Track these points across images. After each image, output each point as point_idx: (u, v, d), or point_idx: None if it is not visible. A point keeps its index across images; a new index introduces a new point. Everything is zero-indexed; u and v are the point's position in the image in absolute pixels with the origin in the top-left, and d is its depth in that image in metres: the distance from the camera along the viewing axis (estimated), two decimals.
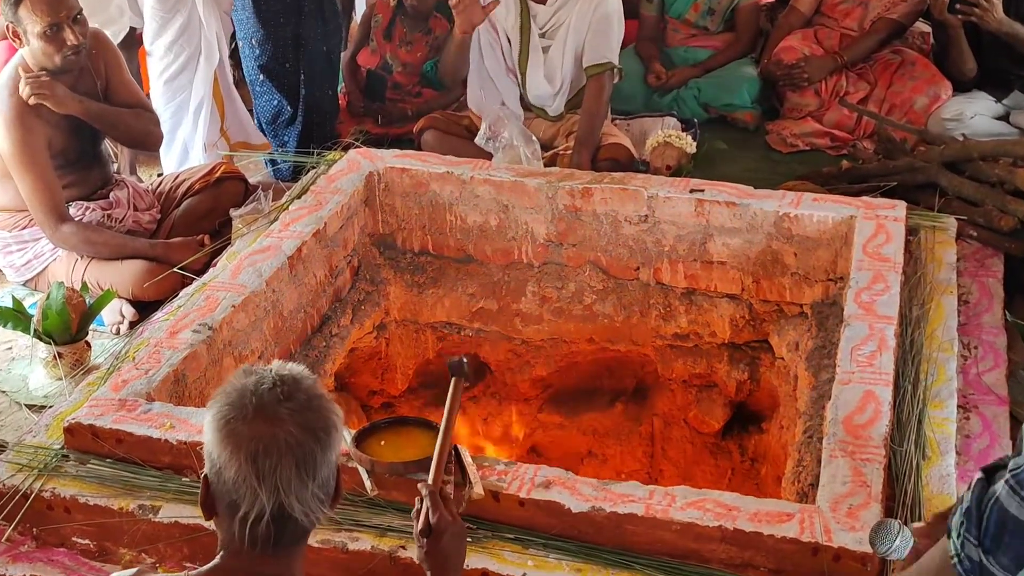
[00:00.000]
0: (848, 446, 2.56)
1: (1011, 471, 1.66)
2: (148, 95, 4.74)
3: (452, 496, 2.34)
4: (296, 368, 1.84)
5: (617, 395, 4.10)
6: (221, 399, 1.80)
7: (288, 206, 3.75)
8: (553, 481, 2.50)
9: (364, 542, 2.48)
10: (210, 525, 1.89)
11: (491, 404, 4.17)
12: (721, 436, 3.94)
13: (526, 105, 4.89)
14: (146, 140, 4.40)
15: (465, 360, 2.40)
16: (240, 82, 5.37)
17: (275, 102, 5.13)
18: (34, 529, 2.69)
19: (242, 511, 1.77)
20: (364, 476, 2.51)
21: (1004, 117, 5.04)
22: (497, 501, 2.48)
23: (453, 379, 2.40)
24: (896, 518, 2.29)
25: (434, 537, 2.11)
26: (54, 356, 3.62)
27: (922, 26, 5.50)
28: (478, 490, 2.44)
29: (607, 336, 3.91)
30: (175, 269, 3.80)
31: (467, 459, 2.51)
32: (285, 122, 5.16)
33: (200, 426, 2.06)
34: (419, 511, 2.15)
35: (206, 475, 1.82)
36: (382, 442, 2.58)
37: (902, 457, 2.63)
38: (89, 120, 4.10)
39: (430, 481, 2.22)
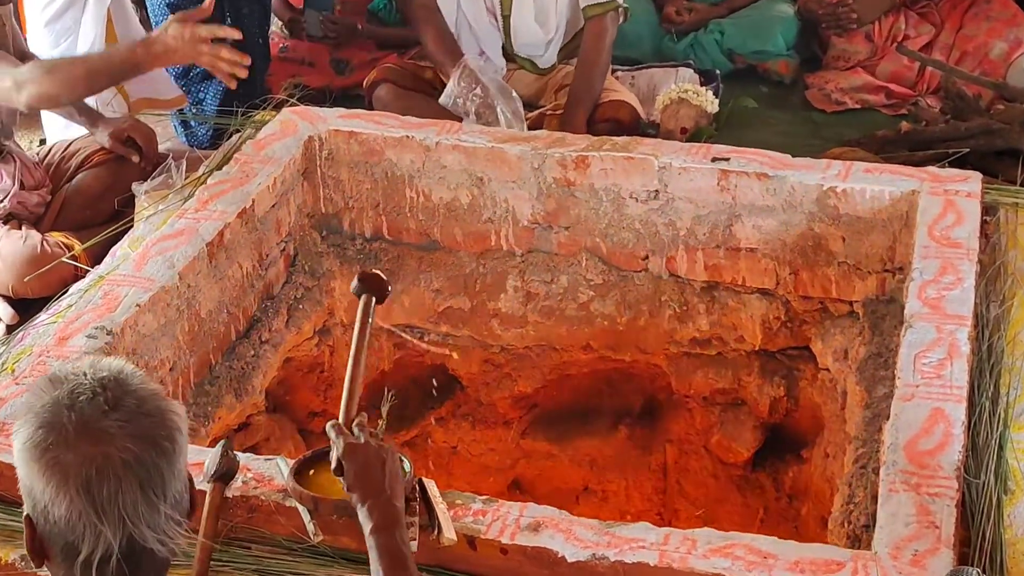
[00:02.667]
0: (912, 478, 2.58)
1: None
2: (26, 39, 4.73)
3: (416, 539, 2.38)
4: (115, 364, 1.85)
5: (620, 416, 4.11)
6: (31, 421, 1.79)
7: (206, 179, 3.74)
8: (544, 523, 2.51)
9: None
10: (44, 572, 1.88)
11: (462, 428, 4.18)
12: (751, 467, 3.96)
13: (509, 56, 4.91)
14: None
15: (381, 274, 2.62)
16: (144, 23, 5.36)
17: None
18: None
19: (83, 554, 1.77)
20: (305, 518, 2.51)
21: None
22: (473, 548, 2.49)
23: (363, 297, 2.56)
24: (973, 566, 2.31)
25: (348, 468, 2.29)
26: None
27: None
28: (449, 535, 2.44)
29: (608, 342, 3.93)
30: (63, 259, 3.79)
31: (435, 495, 2.51)
32: (201, 75, 5.16)
33: None
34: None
35: (28, 516, 1.82)
36: (327, 475, 2.58)
37: (979, 491, 2.65)
38: None
39: (340, 419, 2.40)
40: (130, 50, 3.79)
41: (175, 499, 1.80)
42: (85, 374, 1.82)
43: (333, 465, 2.33)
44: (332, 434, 2.35)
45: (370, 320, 2.56)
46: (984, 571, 2.46)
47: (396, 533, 2.23)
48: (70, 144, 4.53)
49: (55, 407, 1.79)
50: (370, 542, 2.22)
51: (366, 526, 2.24)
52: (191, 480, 1.88)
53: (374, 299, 2.60)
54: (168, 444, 1.79)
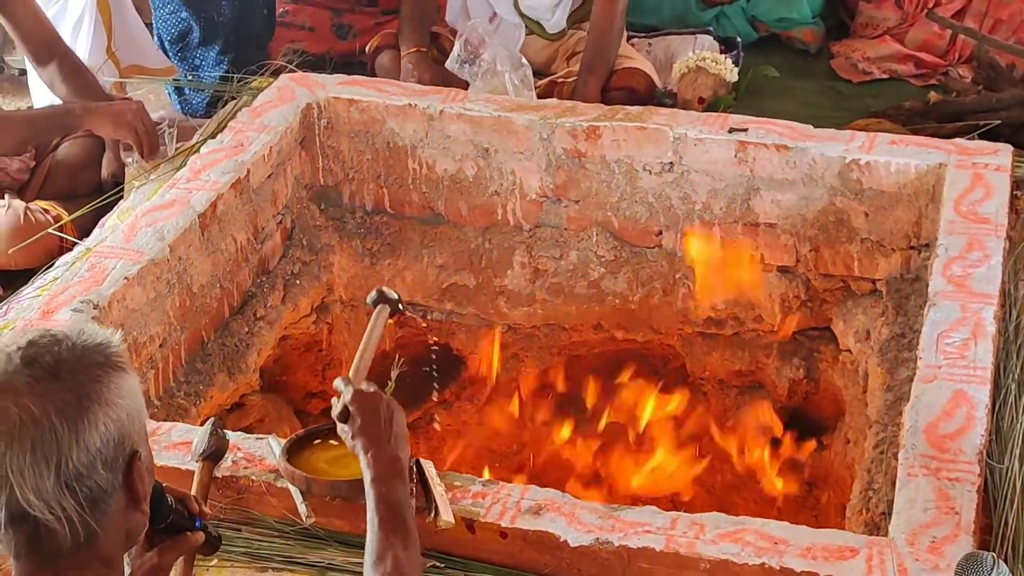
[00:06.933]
0: (932, 462, 2.59)
1: None
2: None
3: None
4: (75, 329, 1.85)
5: None
6: None
7: (199, 148, 3.76)
8: (545, 505, 2.53)
9: None
10: None
11: (467, 410, 4.19)
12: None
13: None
14: None
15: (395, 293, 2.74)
16: None
17: (182, 15, 5.13)
18: None
19: None
20: (297, 499, 2.53)
21: None
22: (472, 531, 2.51)
23: (377, 307, 2.69)
24: (991, 552, 2.32)
25: (354, 418, 2.40)
26: None
27: None
28: (446, 517, 2.46)
29: (619, 322, 3.94)
30: (50, 230, 3.81)
31: (432, 476, 2.53)
32: (198, 40, 5.17)
33: None
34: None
35: None
36: (321, 455, 2.61)
37: (1002, 476, 2.66)
38: None
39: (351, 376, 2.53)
40: (71, 110, 4.16)
41: (75, 473, 1.77)
42: (39, 332, 1.84)
43: (337, 411, 2.41)
44: (340, 385, 2.47)
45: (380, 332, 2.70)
46: (1006, 560, 2.47)
47: (397, 485, 2.30)
48: (48, 107, 4.54)
49: None
50: (369, 491, 2.29)
51: (367, 475, 2.31)
52: (132, 462, 1.84)
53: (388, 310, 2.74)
54: (73, 412, 1.77)
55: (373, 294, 2.78)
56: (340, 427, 2.42)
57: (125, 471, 1.84)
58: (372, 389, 2.47)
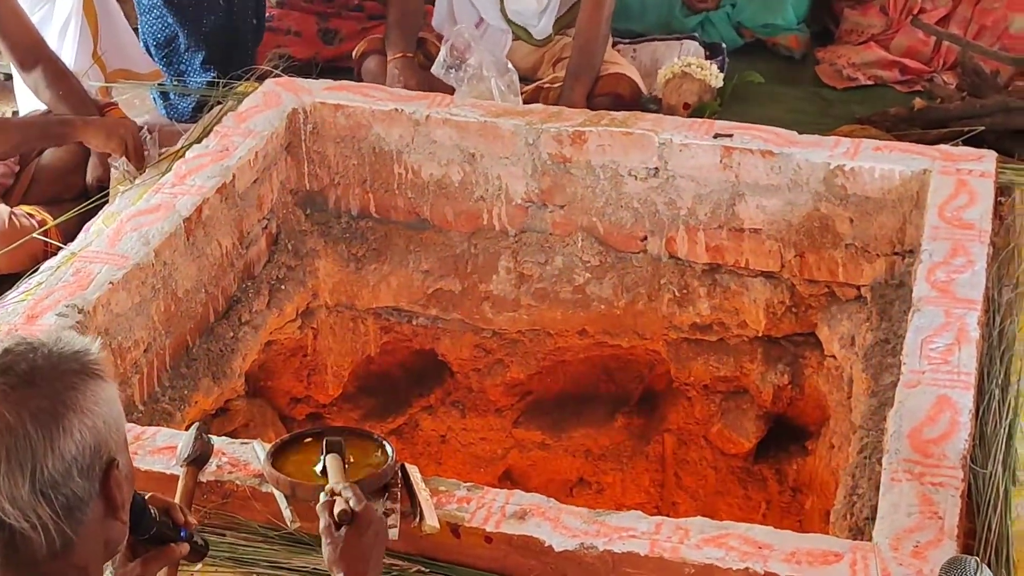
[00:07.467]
0: (915, 467, 2.60)
1: None
2: None
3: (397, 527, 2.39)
4: (53, 337, 1.85)
5: (617, 405, 4.13)
6: None
7: (184, 152, 3.76)
8: (530, 510, 2.53)
9: None
10: None
11: (451, 416, 4.20)
12: (753, 459, 3.98)
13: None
14: None
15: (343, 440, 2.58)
16: None
17: (168, 20, 5.13)
18: None
19: None
20: (282, 504, 2.53)
21: None
22: (457, 536, 2.51)
23: (330, 455, 2.53)
24: (974, 556, 2.33)
25: (356, 529, 2.24)
26: None
27: None
28: (431, 522, 2.46)
29: (604, 327, 3.95)
30: (34, 235, 3.81)
31: (417, 481, 2.53)
32: (185, 46, 5.17)
33: None
34: (330, 503, 2.28)
35: None
36: (305, 460, 2.61)
37: (986, 481, 2.67)
38: None
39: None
40: (68, 122, 4.17)
41: (52, 480, 1.77)
42: (15, 340, 1.84)
43: (338, 509, 2.26)
44: (349, 492, 2.31)
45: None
46: (989, 564, 2.48)
47: None
48: (41, 115, 4.53)
49: None
50: None
51: None
52: (110, 469, 1.83)
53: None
54: (49, 420, 1.77)
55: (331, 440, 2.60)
56: (327, 526, 2.26)
57: (102, 479, 1.83)
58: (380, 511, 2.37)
